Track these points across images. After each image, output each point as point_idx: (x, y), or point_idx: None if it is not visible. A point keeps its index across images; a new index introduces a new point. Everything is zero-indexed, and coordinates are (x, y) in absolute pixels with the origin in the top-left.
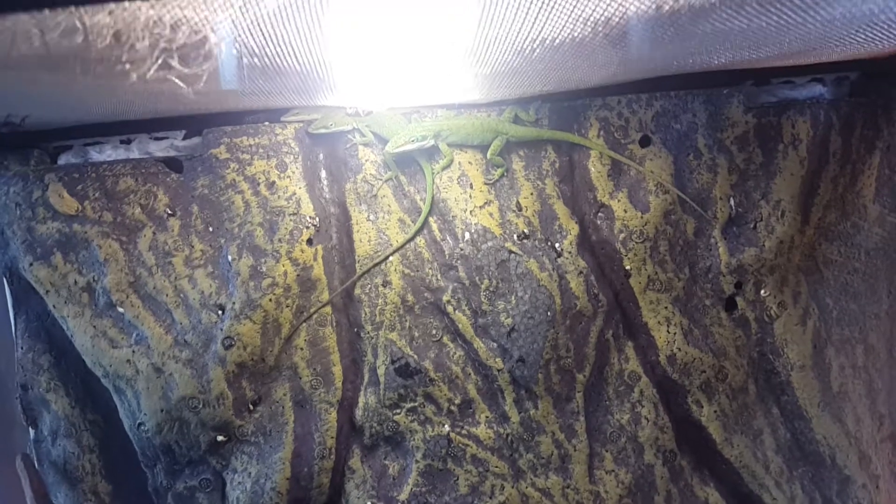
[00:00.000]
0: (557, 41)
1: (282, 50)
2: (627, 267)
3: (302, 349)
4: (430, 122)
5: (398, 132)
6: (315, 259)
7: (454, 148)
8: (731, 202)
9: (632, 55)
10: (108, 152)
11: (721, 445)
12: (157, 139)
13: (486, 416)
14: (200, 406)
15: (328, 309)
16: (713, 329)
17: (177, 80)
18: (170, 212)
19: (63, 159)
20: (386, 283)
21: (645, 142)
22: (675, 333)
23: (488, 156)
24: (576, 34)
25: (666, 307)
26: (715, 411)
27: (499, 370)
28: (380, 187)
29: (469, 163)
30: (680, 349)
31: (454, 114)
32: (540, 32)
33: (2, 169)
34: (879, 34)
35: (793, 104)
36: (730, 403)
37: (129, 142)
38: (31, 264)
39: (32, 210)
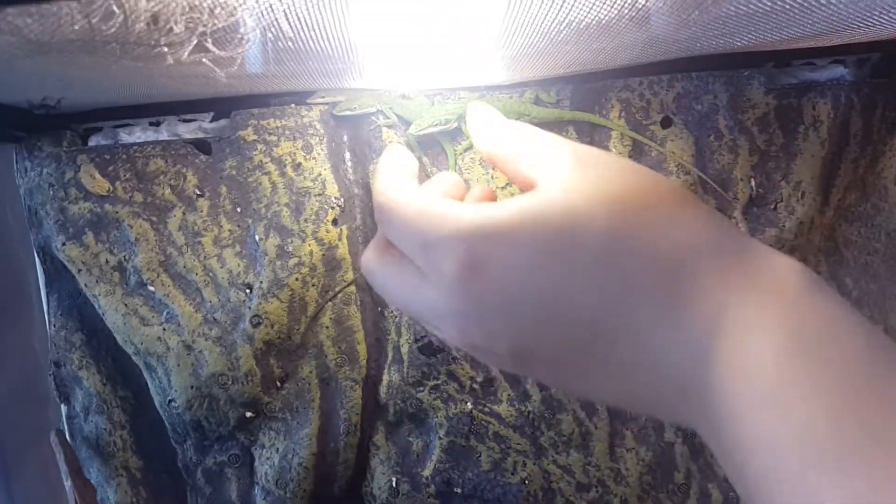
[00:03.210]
0: (584, 24)
1: (314, 34)
2: None
3: (328, 328)
4: (453, 104)
5: (421, 114)
6: (340, 239)
7: None
8: (752, 183)
9: (656, 37)
10: (137, 134)
11: None
12: (185, 121)
13: (508, 395)
14: (230, 383)
15: (353, 288)
16: None
17: (211, 64)
18: (199, 192)
19: (93, 141)
20: None
21: (666, 123)
22: None
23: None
24: (602, 17)
25: None
26: None
27: None
28: None
29: None
30: None
31: (477, 96)
32: (567, 15)
33: (36, 150)
34: None
35: (813, 86)
36: None
37: (158, 124)
38: (63, 244)
39: (65, 190)
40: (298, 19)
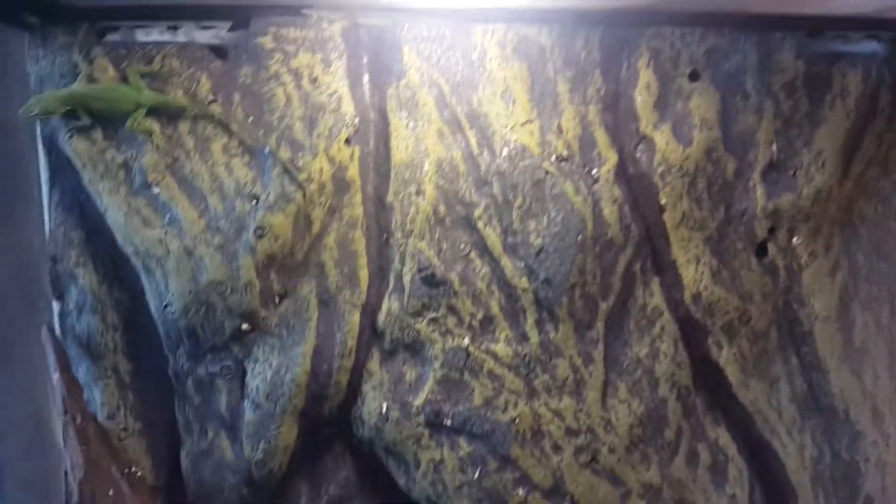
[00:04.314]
0: None
1: None
2: (663, 201)
3: (331, 249)
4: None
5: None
6: (351, 160)
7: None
8: (774, 147)
9: None
10: (154, 36)
11: (737, 388)
12: (204, 28)
13: (507, 335)
14: (228, 292)
15: (360, 212)
16: (742, 272)
17: None
18: (212, 98)
19: (110, 38)
20: (419, 193)
21: (694, 76)
22: (703, 273)
23: (128, 127)
24: None
25: (697, 246)
26: (734, 354)
27: (523, 290)
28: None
29: (515, 78)
30: (706, 288)
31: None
32: None
33: (50, 39)
34: None
35: (845, 56)
36: (750, 347)
37: (175, 28)
38: (70, 137)
39: (77, 83)
40: None
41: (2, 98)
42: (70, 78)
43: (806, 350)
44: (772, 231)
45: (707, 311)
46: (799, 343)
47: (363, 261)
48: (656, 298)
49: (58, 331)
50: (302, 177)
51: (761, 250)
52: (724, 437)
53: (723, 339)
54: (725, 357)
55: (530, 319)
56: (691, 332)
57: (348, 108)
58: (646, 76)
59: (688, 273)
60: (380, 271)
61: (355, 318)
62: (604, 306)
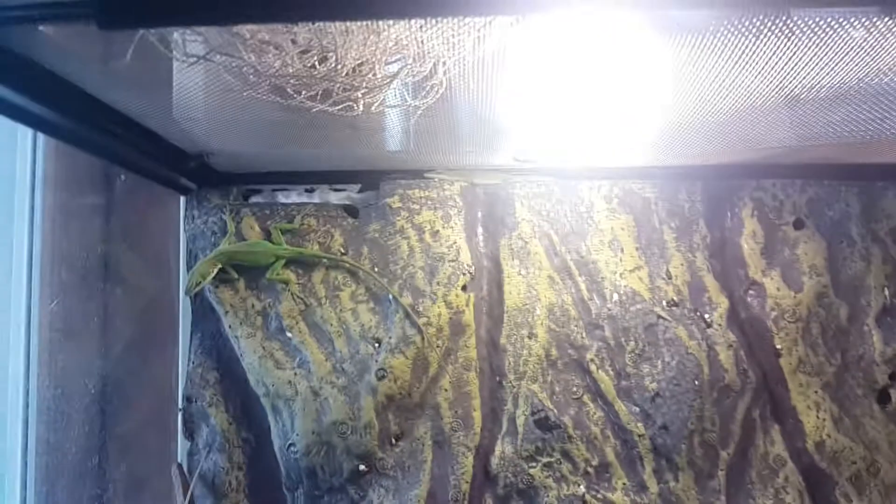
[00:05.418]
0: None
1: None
2: (778, 346)
3: (446, 390)
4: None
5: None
6: (467, 305)
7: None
8: (886, 292)
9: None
10: (293, 198)
11: None
12: (336, 190)
13: (623, 483)
14: (349, 433)
15: (473, 355)
16: (865, 420)
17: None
18: (343, 251)
19: (254, 200)
20: (531, 336)
21: (799, 225)
22: (824, 420)
23: (268, 277)
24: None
25: (816, 392)
26: None
27: (640, 436)
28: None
29: (622, 228)
30: (829, 436)
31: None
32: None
33: (204, 201)
34: None
35: None
36: (882, 502)
37: (311, 191)
38: (216, 286)
39: (224, 241)
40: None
41: (159, 251)
42: (220, 234)
43: None
44: (893, 377)
45: (832, 460)
46: None
47: (476, 402)
48: (778, 446)
49: (186, 469)
50: (422, 321)
51: (883, 397)
52: None
53: (851, 492)
54: None
55: (648, 467)
56: (817, 484)
57: (465, 257)
58: (750, 225)
59: (809, 420)
60: (492, 413)
61: (469, 460)
62: (724, 454)
